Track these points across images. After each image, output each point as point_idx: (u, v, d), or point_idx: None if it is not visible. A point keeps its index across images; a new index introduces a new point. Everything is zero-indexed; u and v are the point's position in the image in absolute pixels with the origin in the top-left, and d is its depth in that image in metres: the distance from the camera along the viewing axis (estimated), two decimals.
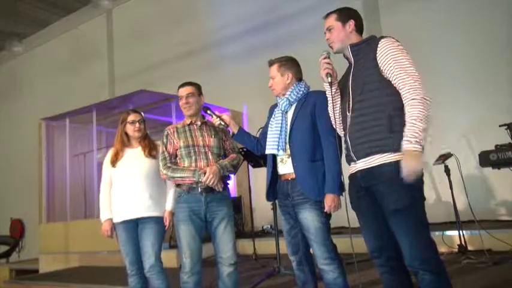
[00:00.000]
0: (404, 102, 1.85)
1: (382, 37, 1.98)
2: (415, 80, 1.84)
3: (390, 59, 1.89)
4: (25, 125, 9.64)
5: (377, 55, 1.94)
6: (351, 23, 2.09)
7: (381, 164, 1.88)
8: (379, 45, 1.94)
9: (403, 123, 1.83)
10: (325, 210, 2.27)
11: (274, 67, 2.46)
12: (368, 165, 1.95)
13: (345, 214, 2.02)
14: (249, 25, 7.63)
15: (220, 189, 2.65)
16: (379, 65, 1.93)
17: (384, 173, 1.88)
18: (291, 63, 2.48)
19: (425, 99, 1.81)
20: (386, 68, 1.91)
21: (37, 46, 11.62)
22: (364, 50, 2.02)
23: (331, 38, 2.13)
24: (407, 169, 1.76)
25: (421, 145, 1.76)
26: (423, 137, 1.77)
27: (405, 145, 1.78)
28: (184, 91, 2.75)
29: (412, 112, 1.80)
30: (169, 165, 2.70)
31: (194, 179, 2.59)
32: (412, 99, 1.82)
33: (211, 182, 2.56)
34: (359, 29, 2.12)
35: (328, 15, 2.16)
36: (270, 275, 3.90)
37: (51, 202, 7.31)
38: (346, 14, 2.12)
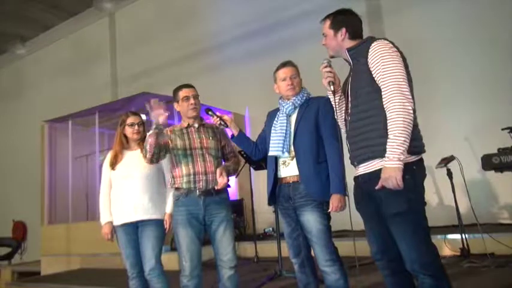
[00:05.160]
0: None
1: (375, 39, 1.97)
2: (397, 87, 1.81)
3: (379, 63, 1.88)
4: (28, 127, 9.68)
5: (368, 58, 1.92)
6: (343, 31, 2.06)
7: (379, 169, 1.86)
8: (370, 49, 1.93)
9: None
10: (330, 210, 2.29)
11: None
12: (367, 170, 1.96)
13: (347, 217, 2.02)
14: (251, 28, 7.63)
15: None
16: (370, 68, 1.91)
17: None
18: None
19: (404, 107, 1.78)
20: (375, 72, 1.90)
21: (40, 48, 11.67)
22: (360, 53, 2.01)
23: (326, 44, 2.15)
24: (386, 182, 1.79)
25: (400, 160, 1.77)
26: (404, 149, 1.77)
27: (386, 162, 1.80)
28: (191, 91, 2.74)
29: (391, 126, 1.80)
30: None
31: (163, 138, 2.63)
32: (389, 110, 1.81)
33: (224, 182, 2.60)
34: (353, 35, 2.07)
35: (324, 19, 2.14)
36: (271, 278, 3.89)
37: (53, 204, 7.33)
38: (339, 21, 2.08)
